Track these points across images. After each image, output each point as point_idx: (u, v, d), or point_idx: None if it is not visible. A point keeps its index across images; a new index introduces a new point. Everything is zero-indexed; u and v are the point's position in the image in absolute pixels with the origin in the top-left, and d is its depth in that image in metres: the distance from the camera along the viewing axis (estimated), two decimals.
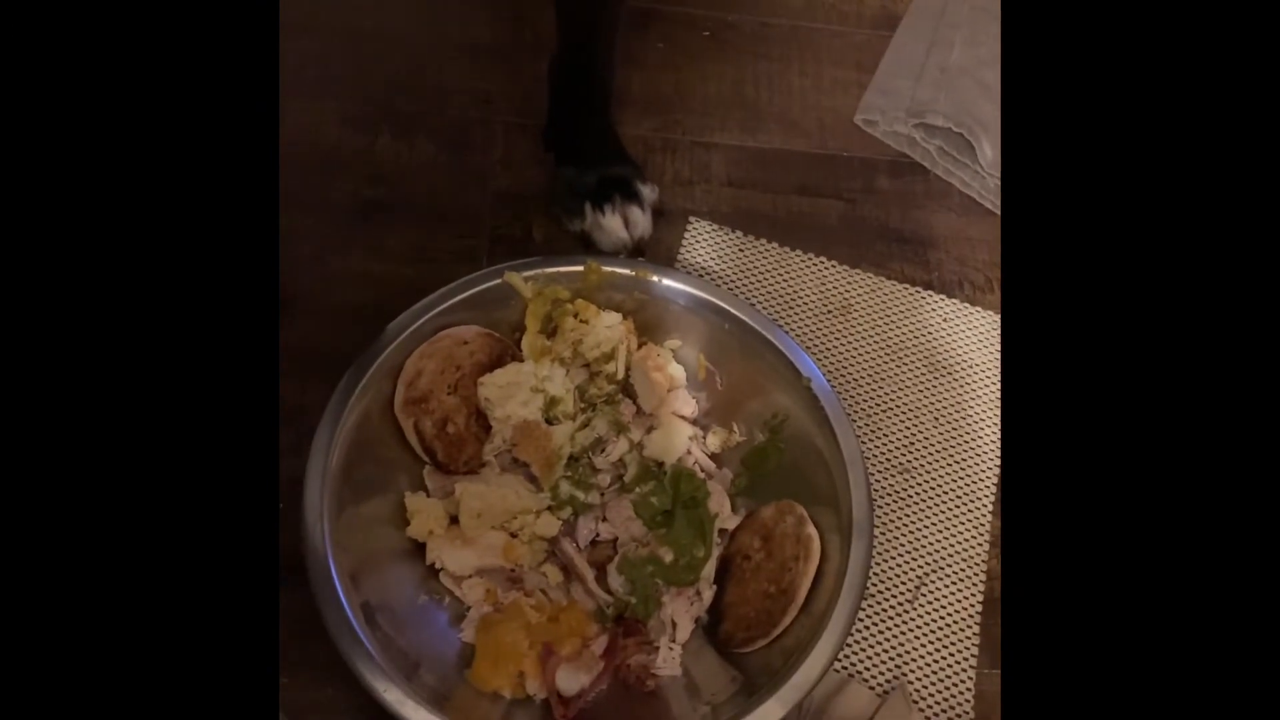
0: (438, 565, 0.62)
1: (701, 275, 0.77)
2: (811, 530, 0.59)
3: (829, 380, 0.64)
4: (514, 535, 0.63)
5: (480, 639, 0.60)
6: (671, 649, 0.61)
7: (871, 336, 0.77)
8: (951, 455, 0.73)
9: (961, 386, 0.76)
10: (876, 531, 0.69)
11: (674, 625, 0.61)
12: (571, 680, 0.59)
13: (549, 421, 0.65)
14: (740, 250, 0.79)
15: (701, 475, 0.66)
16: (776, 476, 0.65)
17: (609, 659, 0.60)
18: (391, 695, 0.52)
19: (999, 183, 0.84)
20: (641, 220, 0.74)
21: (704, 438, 0.68)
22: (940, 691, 0.65)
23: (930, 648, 0.66)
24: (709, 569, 0.63)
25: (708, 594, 0.63)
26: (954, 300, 0.80)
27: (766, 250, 0.80)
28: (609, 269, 0.67)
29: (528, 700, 0.59)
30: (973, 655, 0.66)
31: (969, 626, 0.67)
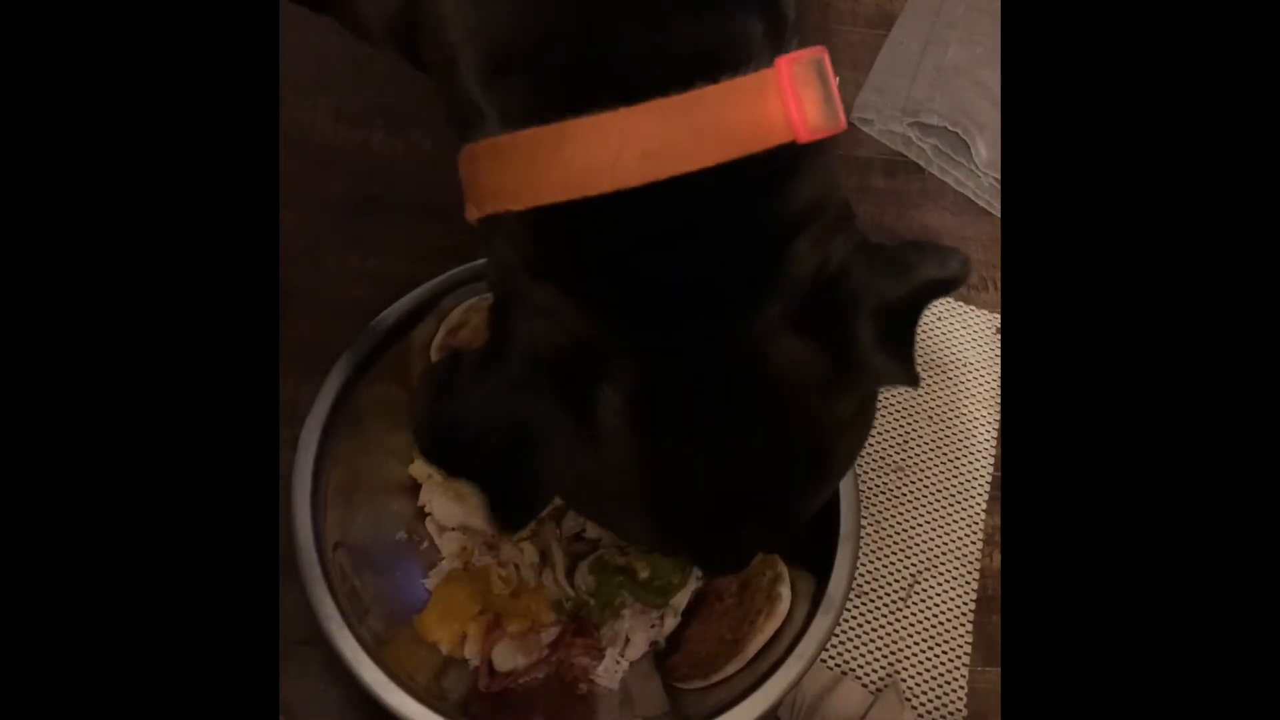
0: (427, 510, 0.63)
1: None
2: (784, 591, 0.58)
3: None
4: None
5: (439, 589, 0.61)
6: (618, 662, 0.61)
7: None
8: (945, 453, 0.73)
9: (955, 384, 0.76)
10: (869, 529, 0.69)
11: (627, 641, 0.61)
12: (508, 658, 0.59)
13: None
14: None
15: None
16: None
17: (553, 650, 0.60)
18: (325, 609, 0.53)
19: (994, 182, 0.85)
20: None
21: None
22: (933, 689, 0.65)
23: (923, 645, 0.66)
24: (680, 599, 0.62)
25: (670, 622, 0.62)
26: (948, 299, 0.80)
27: None
28: None
29: (462, 662, 0.59)
30: (966, 653, 0.66)
31: (962, 624, 0.67)
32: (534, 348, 0.40)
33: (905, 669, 0.65)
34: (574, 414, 0.40)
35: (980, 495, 0.72)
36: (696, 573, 0.63)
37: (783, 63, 0.38)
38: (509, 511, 0.42)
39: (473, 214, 0.42)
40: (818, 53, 0.40)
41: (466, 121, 0.40)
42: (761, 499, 0.44)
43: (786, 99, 0.38)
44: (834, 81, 0.40)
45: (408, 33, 0.42)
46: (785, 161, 0.39)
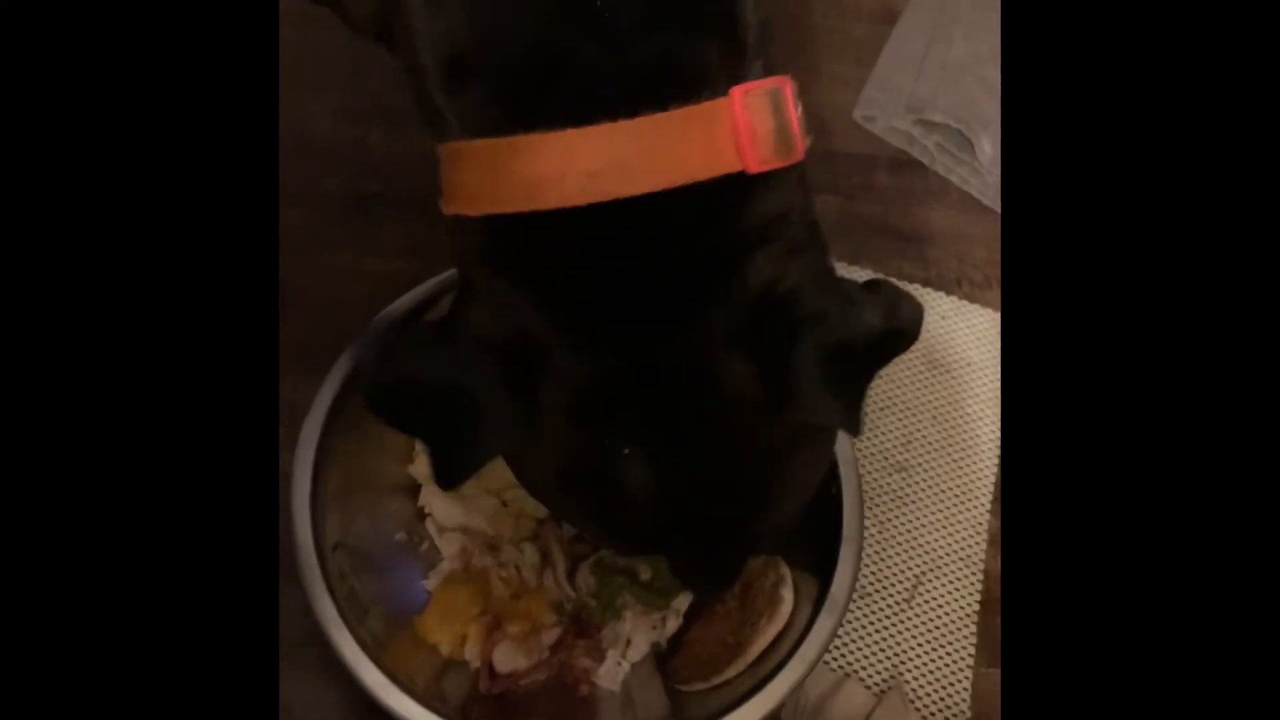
0: (426, 510, 0.63)
1: None
2: (786, 594, 0.58)
3: None
4: (505, 505, 0.63)
5: (439, 591, 0.61)
6: (620, 664, 0.60)
7: None
8: (949, 453, 0.73)
9: (959, 384, 0.76)
10: (873, 530, 0.68)
11: (628, 643, 0.61)
12: (509, 659, 0.59)
13: None
14: None
15: None
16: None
17: (554, 652, 0.60)
18: (325, 610, 0.52)
19: (998, 180, 0.84)
20: None
21: None
22: (937, 690, 0.64)
23: (927, 647, 0.66)
24: (682, 600, 0.62)
25: (672, 624, 0.62)
26: (952, 298, 0.80)
27: None
28: None
29: (462, 664, 0.59)
30: (970, 654, 0.66)
31: (966, 625, 0.67)
32: (484, 333, 0.41)
33: (909, 670, 0.65)
34: (516, 397, 0.41)
35: (984, 496, 0.71)
36: None
37: (737, 93, 0.39)
38: (449, 467, 0.43)
39: (446, 209, 0.43)
40: (777, 83, 0.40)
41: (435, 125, 0.42)
42: (695, 509, 0.44)
43: (738, 130, 0.38)
44: (794, 111, 0.41)
45: (386, 34, 0.44)
46: (739, 186, 0.39)
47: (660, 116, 0.37)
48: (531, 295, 0.40)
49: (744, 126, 0.38)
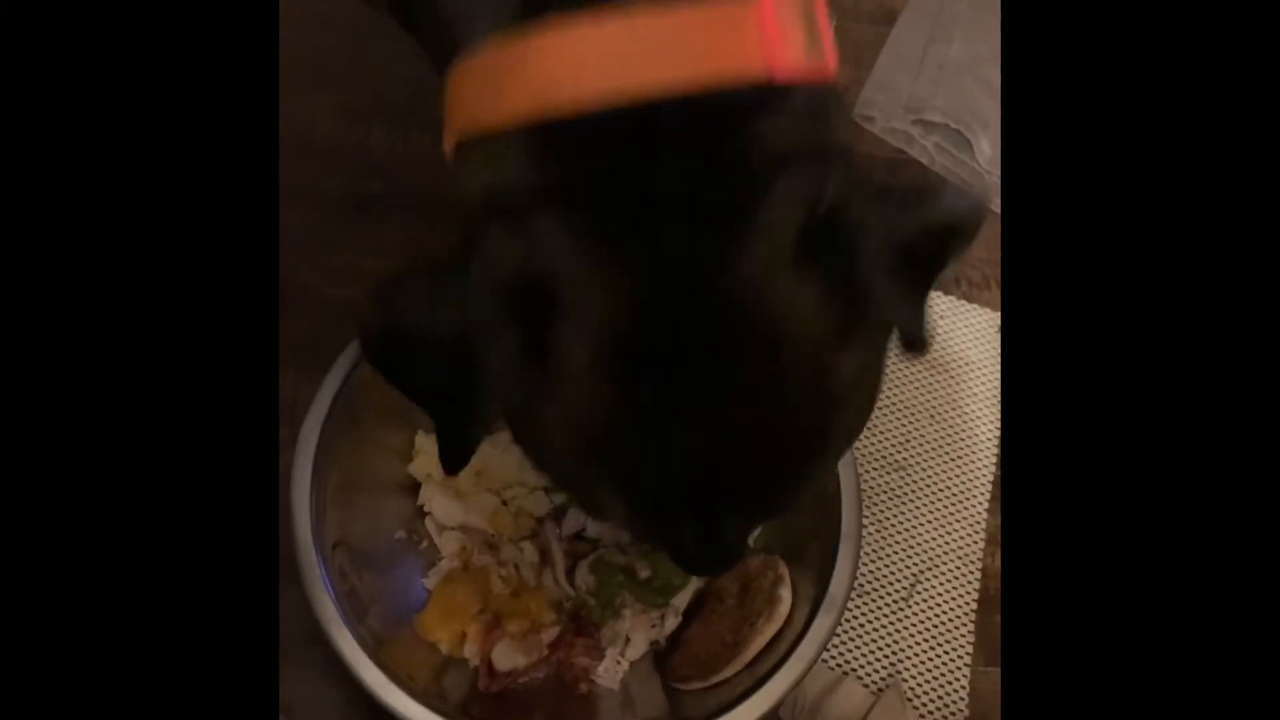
0: (426, 509, 0.63)
1: None
2: (785, 594, 0.58)
3: None
4: (505, 504, 0.63)
5: (439, 589, 0.61)
6: (619, 662, 0.61)
7: None
8: (947, 452, 0.73)
9: (958, 383, 0.76)
10: (871, 529, 0.69)
11: (627, 641, 0.61)
12: (508, 657, 0.59)
13: None
14: None
15: None
16: (773, 531, 0.63)
17: (554, 650, 0.60)
18: (325, 609, 0.53)
19: (996, 180, 0.84)
20: None
21: None
22: (935, 689, 0.65)
23: (925, 645, 0.66)
24: (681, 599, 0.62)
25: (671, 622, 0.62)
26: (950, 297, 0.80)
27: None
28: None
29: (462, 662, 0.60)
30: (968, 653, 0.66)
31: (964, 624, 0.67)
32: (497, 269, 0.37)
33: (907, 669, 0.65)
34: (526, 343, 0.37)
35: (982, 494, 0.71)
36: None
37: None
38: (450, 443, 0.40)
39: (450, 141, 0.41)
40: None
41: (446, 50, 0.40)
42: (747, 470, 0.39)
43: (767, 31, 0.36)
44: (825, 25, 0.39)
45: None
46: (769, 97, 0.37)
47: (685, 11, 0.35)
48: (543, 218, 0.37)
49: (773, 28, 0.36)
